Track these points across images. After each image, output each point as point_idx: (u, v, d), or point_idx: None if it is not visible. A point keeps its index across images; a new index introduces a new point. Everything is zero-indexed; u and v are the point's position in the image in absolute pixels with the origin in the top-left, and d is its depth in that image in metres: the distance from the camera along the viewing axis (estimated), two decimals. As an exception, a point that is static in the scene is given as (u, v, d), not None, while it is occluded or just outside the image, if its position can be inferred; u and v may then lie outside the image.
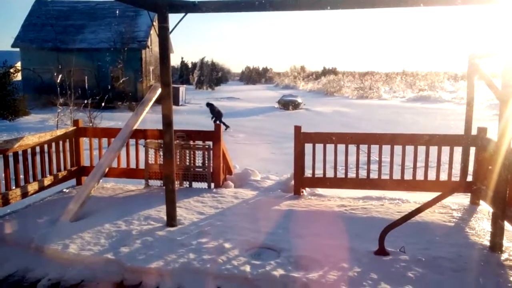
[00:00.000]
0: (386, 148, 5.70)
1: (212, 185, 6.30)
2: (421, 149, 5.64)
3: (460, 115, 4.28)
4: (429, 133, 5.88)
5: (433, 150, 5.61)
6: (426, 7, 4.02)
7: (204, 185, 6.32)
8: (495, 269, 3.72)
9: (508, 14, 3.79)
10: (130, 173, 6.51)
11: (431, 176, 5.72)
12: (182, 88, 33.47)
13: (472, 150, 5.26)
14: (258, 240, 4.29)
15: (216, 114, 19.15)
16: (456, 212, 5.14)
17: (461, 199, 5.73)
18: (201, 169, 6.29)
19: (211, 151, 6.22)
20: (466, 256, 3.92)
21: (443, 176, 5.73)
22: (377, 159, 5.79)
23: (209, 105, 19.69)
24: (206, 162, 6.25)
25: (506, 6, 3.93)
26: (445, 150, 5.59)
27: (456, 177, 5.70)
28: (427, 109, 30.15)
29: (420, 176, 5.74)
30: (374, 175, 5.88)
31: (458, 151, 5.03)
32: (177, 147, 6.12)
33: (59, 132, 6.16)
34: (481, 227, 4.68)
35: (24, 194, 5.30)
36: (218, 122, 18.15)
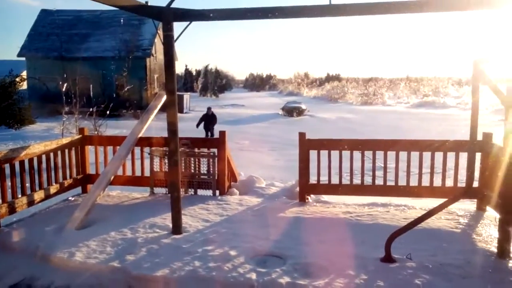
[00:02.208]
0: (391, 154, 5.69)
1: (217, 192, 6.30)
2: (426, 155, 5.62)
3: (465, 120, 4.28)
4: (434, 139, 5.87)
5: (439, 156, 5.59)
6: (430, 13, 4.03)
7: (209, 192, 6.32)
8: (503, 276, 3.68)
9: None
10: (135, 181, 6.52)
11: (437, 182, 5.69)
12: (187, 96, 33.65)
13: (478, 155, 5.24)
14: (263, 247, 4.28)
15: (209, 118, 17.06)
16: (462, 218, 5.11)
17: (468, 205, 5.69)
18: (206, 177, 6.30)
19: (216, 158, 6.22)
20: (473, 263, 3.89)
21: (449, 182, 5.70)
22: (382, 165, 5.77)
23: (208, 109, 17.67)
24: (211, 169, 6.26)
25: (510, 10, 3.94)
26: (451, 156, 5.57)
27: (462, 183, 5.66)
28: (432, 114, 30.09)
29: (425, 182, 5.71)
30: (379, 181, 5.86)
31: (463, 156, 5.01)
32: (182, 155, 6.13)
33: (65, 140, 6.20)
34: (488, 233, 4.64)
35: (30, 203, 5.33)
36: (207, 129, 16.87)
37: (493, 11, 4.15)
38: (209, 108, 17.61)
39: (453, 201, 4.25)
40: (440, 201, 4.24)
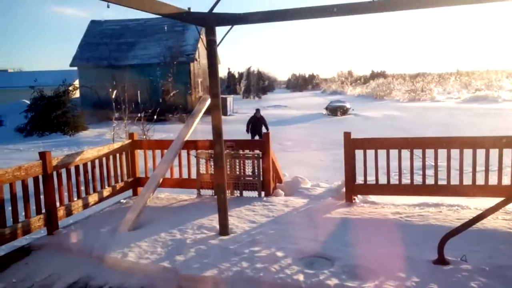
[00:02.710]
0: (442, 152, 5.47)
1: (263, 193, 6.32)
2: (480, 152, 5.35)
3: (523, 115, 4.01)
4: (487, 135, 5.58)
5: (494, 153, 5.31)
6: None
7: (254, 193, 6.36)
8: None
9: None
10: (182, 183, 6.68)
11: (492, 180, 5.41)
12: (230, 98, 34.06)
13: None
14: (310, 248, 4.25)
15: (257, 121, 15.62)
16: (521, 219, 4.83)
17: (527, 205, 5.37)
18: (251, 178, 6.34)
19: (261, 160, 6.25)
20: (535, 266, 3.66)
21: (506, 181, 5.40)
22: (433, 163, 5.56)
23: (256, 111, 16.09)
24: (256, 170, 6.29)
25: None
26: (507, 152, 5.28)
27: (520, 181, 5.35)
28: (485, 109, 28.66)
29: (480, 181, 5.45)
30: (430, 181, 5.65)
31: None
32: (227, 157, 6.21)
33: (116, 145, 6.45)
34: (551, 234, 4.36)
35: (85, 205, 5.59)
36: (255, 132, 15.59)
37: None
38: (257, 110, 16.17)
39: (510, 201, 4.02)
40: (496, 200, 4.02)
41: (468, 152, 5.37)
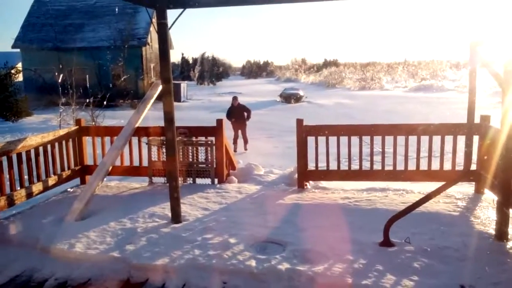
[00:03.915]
0: (389, 139, 5.68)
1: (216, 180, 6.30)
2: (425, 139, 5.61)
3: (464, 103, 4.26)
4: (432, 122, 5.85)
5: (437, 139, 5.59)
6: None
7: (207, 181, 6.33)
8: (501, 258, 3.71)
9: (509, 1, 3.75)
10: (133, 171, 6.52)
11: (435, 166, 5.70)
12: (184, 84, 33.42)
13: (476, 138, 5.23)
14: (263, 234, 4.30)
15: (237, 111, 12.82)
16: (461, 202, 5.13)
17: (466, 188, 5.71)
18: (204, 165, 6.30)
19: (214, 147, 6.21)
20: (471, 246, 3.91)
21: (447, 166, 5.71)
22: (380, 150, 5.77)
23: (233, 100, 13.12)
24: (209, 157, 6.25)
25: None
26: (449, 139, 5.57)
27: (460, 166, 5.67)
28: (430, 98, 30.00)
29: (424, 166, 5.73)
30: (377, 167, 5.86)
31: (462, 140, 5.01)
32: (180, 144, 6.12)
33: (62, 132, 6.17)
34: (486, 216, 4.67)
35: (29, 195, 5.32)
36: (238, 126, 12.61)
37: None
38: (234, 98, 13.14)
39: (451, 184, 4.26)
40: (439, 185, 4.25)
41: (413, 139, 5.61)
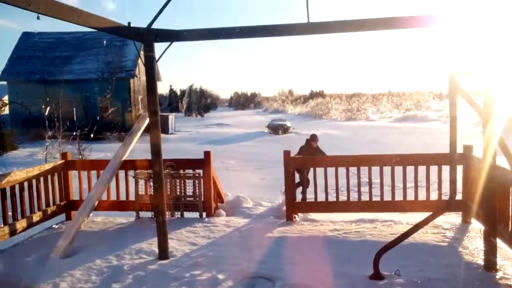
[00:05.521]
0: (376, 169, 5.74)
1: (204, 214, 6.24)
2: (411, 169, 5.68)
3: (447, 133, 4.33)
4: (417, 152, 5.95)
5: (422, 170, 5.66)
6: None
7: (195, 214, 6.26)
8: (490, 288, 3.71)
9: (488, 34, 3.90)
10: (120, 206, 6.43)
11: (422, 196, 5.75)
12: (171, 116, 33.48)
13: (460, 168, 5.31)
14: (251, 269, 4.24)
15: (313, 152, 9.08)
16: (448, 232, 5.16)
17: (453, 218, 5.75)
18: (192, 198, 6.25)
19: (202, 180, 6.19)
20: (461, 277, 3.91)
21: (434, 196, 5.76)
22: (367, 180, 5.81)
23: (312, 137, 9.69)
24: (197, 191, 6.21)
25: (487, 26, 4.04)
26: (435, 169, 5.64)
27: (446, 195, 5.72)
28: (414, 128, 30.53)
29: (410, 196, 5.77)
30: (365, 197, 5.89)
31: (447, 169, 5.08)
32: (167, 177, 6.08)
33: (47, 166, 6.10)
34: (474, 246, 4.69)
35: (13, 232, 5.19)
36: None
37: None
38: (312, 137, 9.72)
39: (437, 215, 4.29)
40: (426, 214, 4.28)
41: (399, 169, 5.67)
